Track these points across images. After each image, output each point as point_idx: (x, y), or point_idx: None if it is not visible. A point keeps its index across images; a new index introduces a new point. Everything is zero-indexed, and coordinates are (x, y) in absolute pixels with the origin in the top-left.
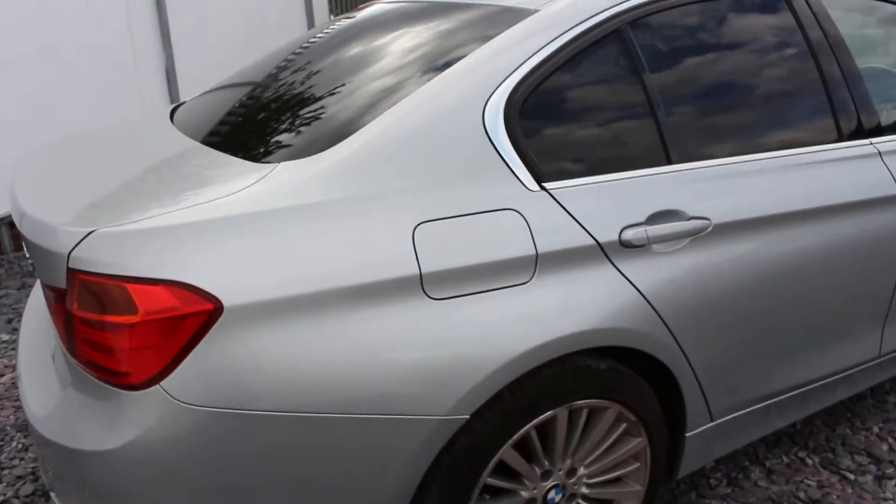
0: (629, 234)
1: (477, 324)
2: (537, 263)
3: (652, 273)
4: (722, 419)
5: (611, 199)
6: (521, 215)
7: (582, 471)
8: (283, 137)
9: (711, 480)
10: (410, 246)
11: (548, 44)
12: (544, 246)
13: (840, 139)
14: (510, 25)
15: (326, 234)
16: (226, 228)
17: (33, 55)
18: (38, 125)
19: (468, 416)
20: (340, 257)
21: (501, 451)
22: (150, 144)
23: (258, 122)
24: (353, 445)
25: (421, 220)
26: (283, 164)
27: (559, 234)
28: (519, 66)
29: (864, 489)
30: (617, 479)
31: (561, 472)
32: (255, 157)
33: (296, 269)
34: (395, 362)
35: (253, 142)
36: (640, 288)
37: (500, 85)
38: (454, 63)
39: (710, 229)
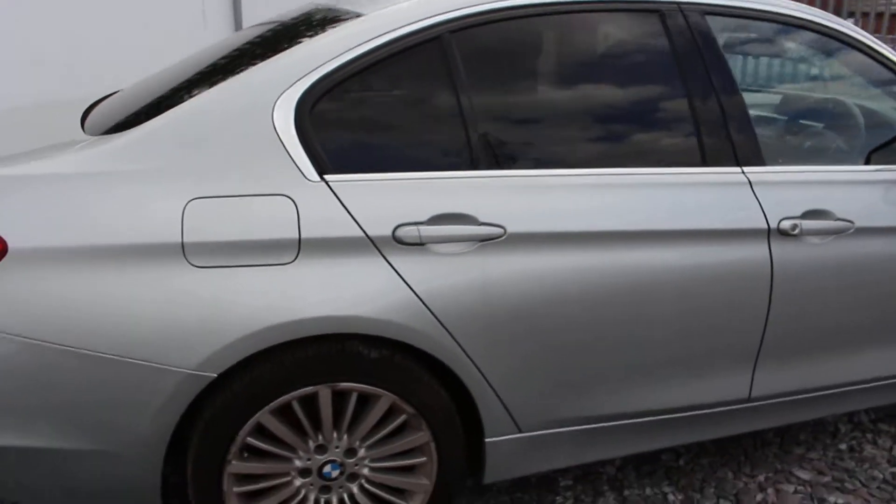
0: (403, 232)
1: (232, 293)
2: (300, 247)
3: (429, 273)
4: (535, 433)
5: (391, 197)
6: (293, 202)
7: (363, 452)
8: (127, 121)
9: (558, 498)
10: (179, 217)
11: (354, 48)
12: (309, 232)
13: (689, 164)
14: (330, 28)
15: (109, 198)
16: (25, 184)
17: None
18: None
19: (216, 375)
20: (118, 219)
21: (258, 415)
22: (46, 120)
23: (128, 110)
24: (116, 382)
25: (195, 196)
26: (98, 138)
27: (328, 224)
28: (318, 66)
29: None
30: (409, 469)
31: (338, 450)
32: (96, 135)
33: (79, 224)
34: (155, 315)
35: (110, 125)
36: (412, 285)
37: (294, 83)
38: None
39: (503, 238)
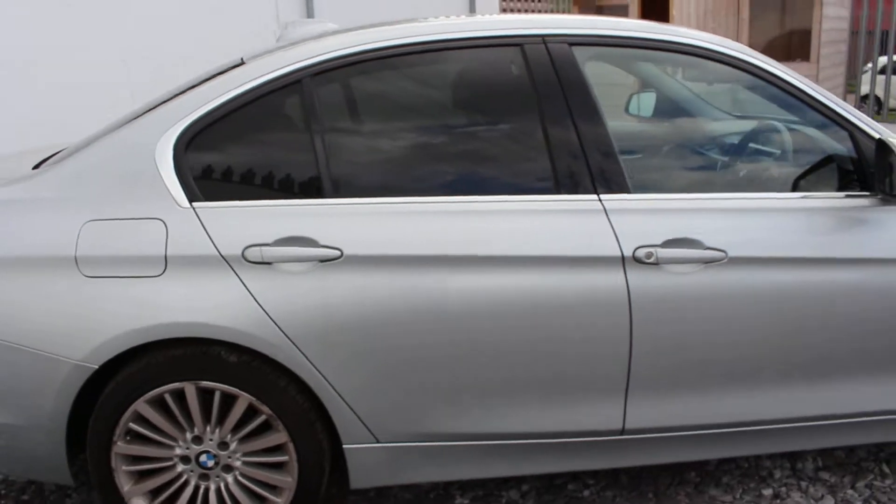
0: (250, 252)
1: (111, 299)
2: (167, 263)
3: (274, 289)
4: (395, 444)
5: (245, 221)
6: (165, 224)
7: (234, 447)
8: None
9: None
10: (76, 235)
11: (225, 93)
12: (175, 251)
13: (541, 192)
14: (218, 75)
15: (27, 218)
16: None
17: None
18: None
19: (97, 367)
20: (32, 234)
21: (135, 404)
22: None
23: (66, 149)
24: (23, 367)
25: (90, 219)
26: (30, 172)
27: (190, 243)
28: (194, 111)
29: None
30: (277, 466)
31: (211, 442)
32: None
33: (6, 238)
34: (52, 314)
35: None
36: (259, 299)
37: (173, 126)
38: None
39: (341, 259)
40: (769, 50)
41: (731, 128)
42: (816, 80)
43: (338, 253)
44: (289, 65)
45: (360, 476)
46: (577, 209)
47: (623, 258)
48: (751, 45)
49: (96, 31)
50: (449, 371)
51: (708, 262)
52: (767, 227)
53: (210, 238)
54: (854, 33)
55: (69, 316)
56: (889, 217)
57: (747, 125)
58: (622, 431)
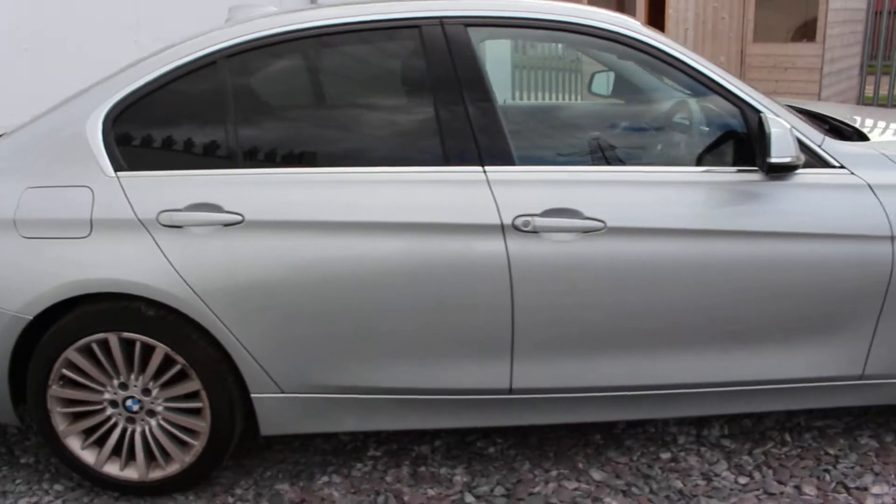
0: (164, 216)
1: (44, 258)
2: (93, 226)
3: (184, 250)
4: (298, 395)
5: (160, 189)
6: (92, 191)
7: (156, 393)
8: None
9: (358, 464)
10: (16, 200)
11: (146, 73)
12: (99, 215)
13: (430, 164)
14: (148, 57)
15: None
16: None
17: None
18: None
19: (31, 317)
20: None
21: (66, 352)
22: None
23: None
24: None
25: (29, 185)
26: None
27: (112, 208)
28: (123, 87)
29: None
30: (195, 412)
31: (136, 388)
32: None
33: None
34: None
35: None
36: (170, 259)
37: (102, 103)
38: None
39: (242, 224)
40: (774, 30)
41: (624, 104)
42: (822, 61)
43: (239, 218)
44: (206, 47)
45: (269, 424)
46: (462, 180)
47: (503, 226)
48: (756, 25)
49: (110, 13)
50: (341, 329)
51: (586, 231)
52: (648, 200)
53: (130, 204)
54: (877, 14)
55: (7, 273)
56: (776, 191)
57: (641, 102)
58: (510, 391)
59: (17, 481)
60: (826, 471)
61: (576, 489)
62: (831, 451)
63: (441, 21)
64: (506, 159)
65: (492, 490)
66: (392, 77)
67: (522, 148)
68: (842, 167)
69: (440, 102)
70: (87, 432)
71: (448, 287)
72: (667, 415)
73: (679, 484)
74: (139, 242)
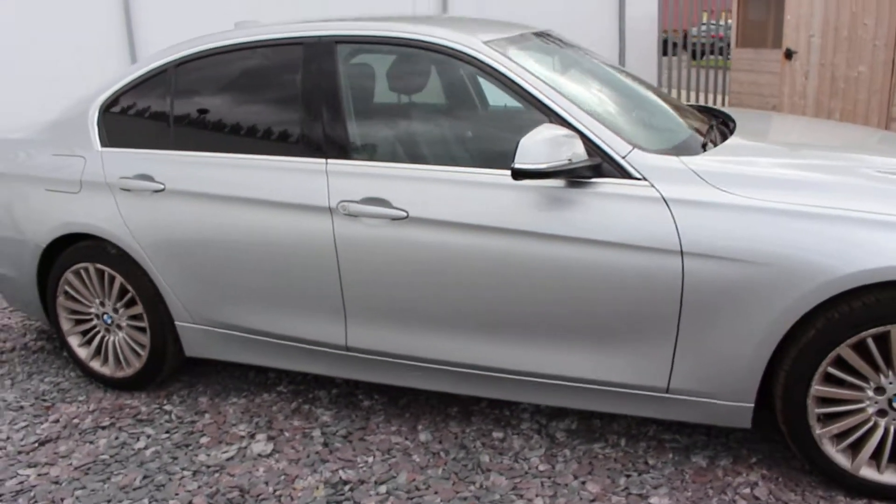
0: (121, 182)
1: (54, 206)
2: (82, 185)
3: (130, 207)
4: (202, 326)
5: (124, 161)
6: (85, 160)
7: (122, 311)
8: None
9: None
10: (45, 163)
11: (128, 76)
12: (86, 178)
13: (293, 154)
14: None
15: (32, 151)
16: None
17: None
18: None
19: (44, 246)
20: (28, 162)
21: (66, 273)
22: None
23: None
24: (14, 244)
25: (53, 153)
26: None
27: (94, 173)
28: (114, 84)
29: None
30: (143, 330)
31: (108, 306)
32: None
33: (13, 161)
34: (28, 212)
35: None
36: (122, 213)
37: (100, 96)
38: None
39: (164, 190)
40: None
41: (452, 109)
42: None
43: (162, 187)
44: (164, 58)
45: (189, 346)
46: (311, 169)
47: (331, 209)
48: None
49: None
50: (223, 279)
51: (394, 218)
52: (449, 196)
53: (104, 171)
54: None
55: (34, 216)
56: (576, 198)
57: (466, 108)
58: (346, 348)
59: (32, 366)
60: (627, 476)
61: (398, 443)
62: (650, 462)
63: (319, 39)
64: (344, 153)
65: (336, 432)
66: (278, 84)
67: (359, 144)
68: (643, 179)
69: (305, 104)
70: (83, 335)
71: (296, 255)
72: (471, 392)
73: (486, 459)
74: (106, 200)
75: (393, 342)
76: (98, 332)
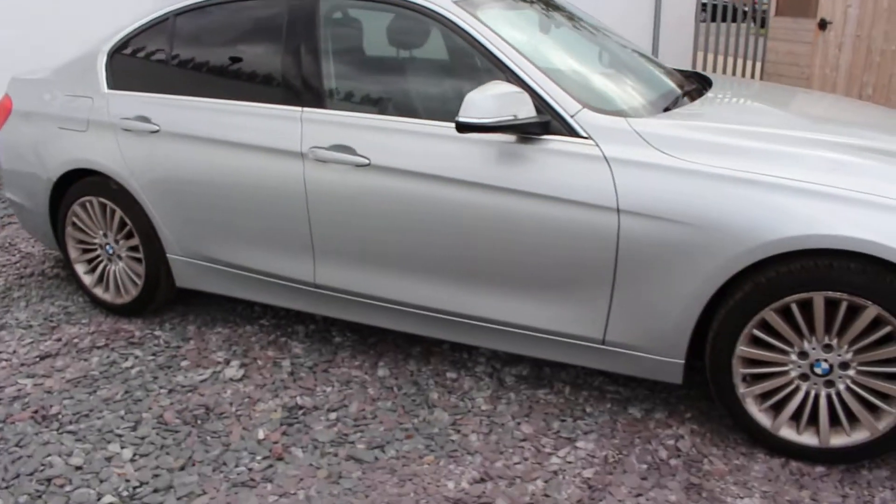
0: (122, 123)
1: (63, 142)
2: (89, 124)
3: (128, 146)
4: (191, 259)
5: (127, 103)
6: (92, 100)
7: (121, 243)
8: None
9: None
10: (59, 102)
11: (135, 23)
12: (92, 117)
13: (275, 102)
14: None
15: (48, 90)
16: (39, 82)
17: None
18: None
19: (55, 179)
20: (43, 100)
21: (72, 206)
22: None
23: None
24: (31, 179)
25: (66, 93)
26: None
27: (99, 113)
28: (119, 33)
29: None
30: (140, 261)
31: (109, 238)
32: None
33: (40, 99)
34: (41, 147)
35: None
36: (121, 151)
37: (109, 41)
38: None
39: (159, 131)
40: None
41: (422, 63)
42: None
43: (157, 128)
44: (166, 8)
45: (179, 278)
46: (287, 115)
47: (302, 154)
48: None
49: None
50: (212, 216)
51: (358, 165)
52: (409, 146)
53: (108, 111)
54: None
55: (48, 151)
56: (527, 153)
57: (437, 63)
58: (315, 285)
59: (46, 290)
60: (562, 420)
61: (357, 376)
62: (588, 410)
63: None
64: (318, 103)
65: (304, 363)
66: (265, 35)
67: (332, 94)
68: (588, 138)
69: (286, 54)
70: (88, 263)
71: (271, 196)
72: (428, 333)
73: (434, 396)
74: (108, 138)
75: (355, 281)
76: (101, 261)
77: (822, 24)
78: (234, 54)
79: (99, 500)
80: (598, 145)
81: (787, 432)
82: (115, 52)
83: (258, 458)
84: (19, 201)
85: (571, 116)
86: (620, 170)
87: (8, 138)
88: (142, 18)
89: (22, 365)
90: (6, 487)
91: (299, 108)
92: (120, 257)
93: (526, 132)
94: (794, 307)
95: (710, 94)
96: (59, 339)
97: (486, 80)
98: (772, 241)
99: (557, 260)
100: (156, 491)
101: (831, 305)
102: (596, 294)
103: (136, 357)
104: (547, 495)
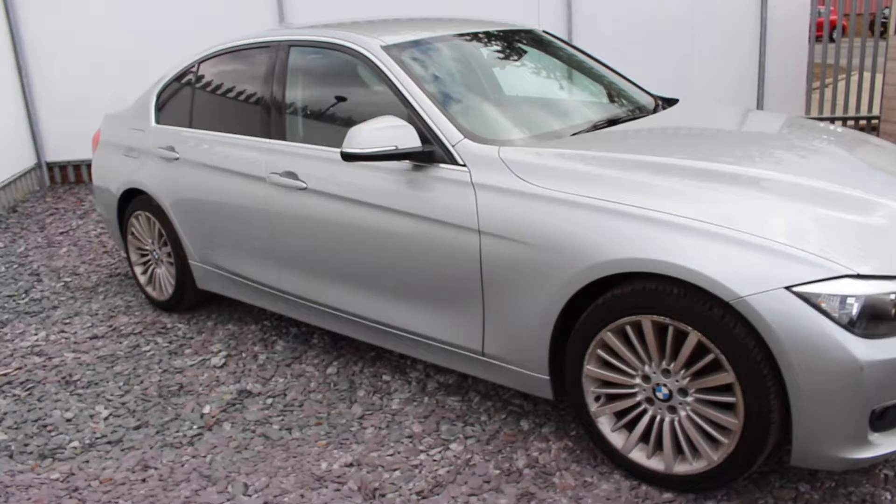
0: (157, 151)
1: (126, 166)
2: (140, 152)
3: (160, 169)
4: (206, 266)
5: (162, 134)
6: (144, 133)
7: (162, 250)
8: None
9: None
10: (126, 133)
11: (172, 72)
12: (143, 146)
13: (257, 135)
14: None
15: (122, 123)
16: (112, 116)
17: None
18: None
19: (119, 195)
20: (118, 132)
21: (131, 217)
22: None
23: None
24: (107, 196)
25: (130, 127)
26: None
27: (148, 143)
28: (164, 78)
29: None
30: (172, 265)
31: (154, 246)
32: None
33: (113, 131)
34: (114, 171)
35: None
36: (157, 174)
37: (158, 84)
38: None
39: (179, 159)
40: None
41: (353, 99)
42: None
43: (178, 156)
44: (195, 58)
45: (198, 281)
46: (259, 147)
47: (265, 178)
48: None
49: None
50: (213, 230)
51: (300, 188)
52: (327, 171)
53: (152, 142)
54: None
55: (115, 174)
56: (416, 179)
57: (362, 98)
58: (280, 290)
59: (122, 287)
60: (452, 425)
61: (308, 372)
62: (483, 419)
63: (279, 44)
64: (280, 135)
65: (276, 359)
66: (254, 77)
67: (288, 127)
68: (464, 165)
69: (264, 94)
70: (144, 265)
71: (247, 212)
72: (356, 337)
73: (361, 394)
74: (151, 164)
75: (304, 288)
76: (151, 264)
77: None
78: (232, 93)
79: (69, 443)
80: (469, 171)
81: (638, 455)
82: (162, 92)
83: (195, 427)
84: (102, 213)
85: (453, 146)
86: (482, 194)
87: (97, 163)
88: (180, 65)
89: (74, 343)
90: (15, 427)
91: (267, 140)
92: (161, 262)
93: (413, 160)
94: (629, 329)
95: (632, 123)
96: (111, 326)
97: (397, 114)
98: (599, 263)
99: (439, 277)
100: (109, 443)
101: (665, 331)
102: (471, 307)
103: (157, 343)
104: (394, 483)
